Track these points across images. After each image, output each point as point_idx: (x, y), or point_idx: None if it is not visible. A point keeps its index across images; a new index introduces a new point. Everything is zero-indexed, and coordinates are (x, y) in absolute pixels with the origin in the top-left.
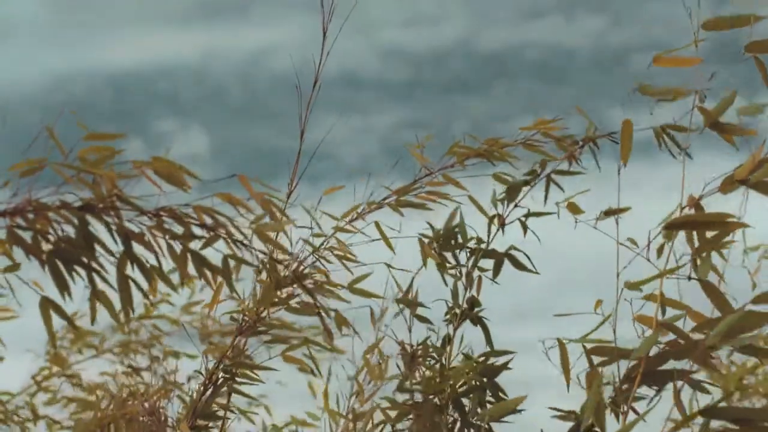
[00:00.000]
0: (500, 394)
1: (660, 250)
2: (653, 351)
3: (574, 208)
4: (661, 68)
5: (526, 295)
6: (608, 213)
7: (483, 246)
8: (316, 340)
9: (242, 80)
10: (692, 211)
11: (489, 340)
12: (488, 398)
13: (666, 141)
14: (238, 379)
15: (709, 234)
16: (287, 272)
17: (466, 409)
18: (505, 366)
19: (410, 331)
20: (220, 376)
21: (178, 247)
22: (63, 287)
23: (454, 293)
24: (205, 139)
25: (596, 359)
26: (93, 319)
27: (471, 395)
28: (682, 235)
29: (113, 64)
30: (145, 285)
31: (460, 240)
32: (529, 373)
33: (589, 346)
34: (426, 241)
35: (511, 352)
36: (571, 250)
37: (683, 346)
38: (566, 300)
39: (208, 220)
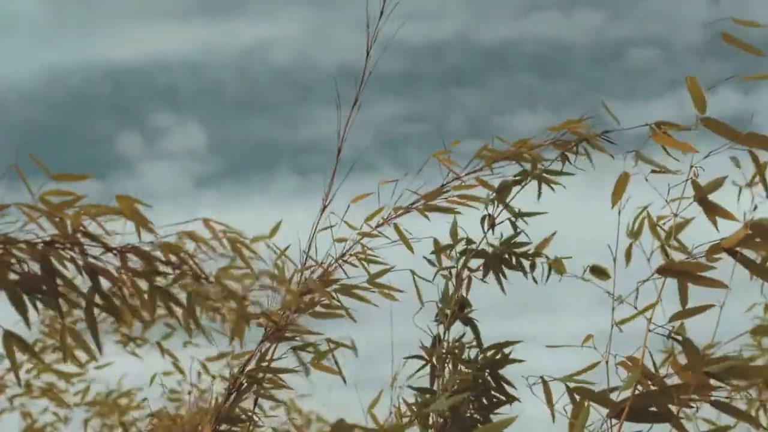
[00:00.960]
0: (504, 386)
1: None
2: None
3: (559, 266)
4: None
5: (528, 289)
6: (594, 271)
7: (473, 247)
8: (344, 342)
9: (240, 74)
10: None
11: (479, 340)
12: (493, 393)
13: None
14: (265, 384)
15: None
16: (313, 278)
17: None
18: (506, 358)
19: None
20: (244, 381)
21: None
22: (24, 316)
23: (445, 294)
24: (203, 134)
25: None
26: (66, 358)
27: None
28: None
29: (111, 58)
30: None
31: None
32: (530, 366)
33: (572, 385)
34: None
35: (513, 343)
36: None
37: (656, 392)
38: (567, 294)
39: (173, 258)
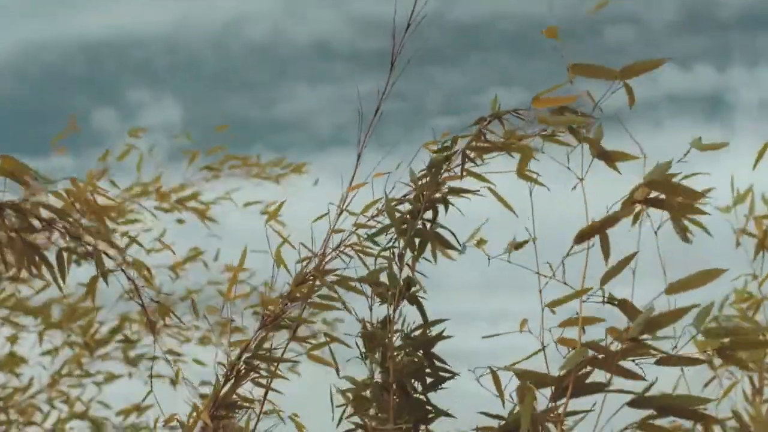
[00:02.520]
0: (438, 364)
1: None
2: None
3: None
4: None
5: (494, 266)
6: (515, 246)
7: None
8: (339, 337)
9: (215, 50)
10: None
11: (424, 317)
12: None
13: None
14: (262, 373)
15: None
16: (310, 268)
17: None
18: (440, 336)
19: (371, 309)
20: (242, 367)
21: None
22: None
23: (390, 275)
24: (178, 109)
25: None
26: None
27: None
28: None
29: (87, 32)
30: None
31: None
32: (497, 342)
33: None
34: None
35: (444, 320)
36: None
37: (601, 358)
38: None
39: (45, 214)
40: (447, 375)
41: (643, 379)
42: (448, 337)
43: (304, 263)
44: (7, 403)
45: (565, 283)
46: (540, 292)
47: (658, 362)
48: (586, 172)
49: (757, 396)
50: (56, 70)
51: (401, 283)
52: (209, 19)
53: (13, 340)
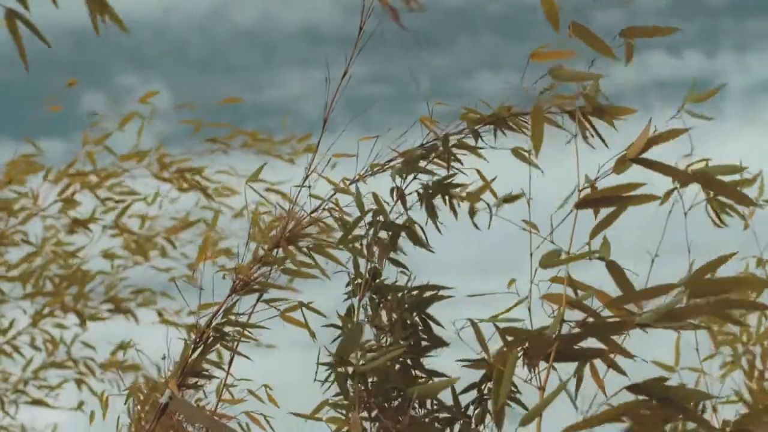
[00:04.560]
0: (432, 326)
1: None
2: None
3: (475, 200)
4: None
5: (486, 248)
6: (507, 200)
7: (381, 218)
8: (312, 306)
9: (203, 34)
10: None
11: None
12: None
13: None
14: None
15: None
16: (284, 231)
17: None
18: (436, 297)
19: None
20: (210, 334)
21: None
22: None
23: (356, 264)
24: (167, 93)
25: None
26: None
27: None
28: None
29: (74, 17)
30: None
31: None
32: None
33: (502, 325)
34: None
35: (444, 287)
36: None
37: (595, 324)
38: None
39: None
40: (434, 342)
41: (632, 356)
42: (448, 296)
43: (279, 226)
44: None
45: (552, 242)
46: (531, 255)
47: (651, 324)
48: (576, 136)
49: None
50: (44, 55)
51: (367, 274)
52: (197, 3)
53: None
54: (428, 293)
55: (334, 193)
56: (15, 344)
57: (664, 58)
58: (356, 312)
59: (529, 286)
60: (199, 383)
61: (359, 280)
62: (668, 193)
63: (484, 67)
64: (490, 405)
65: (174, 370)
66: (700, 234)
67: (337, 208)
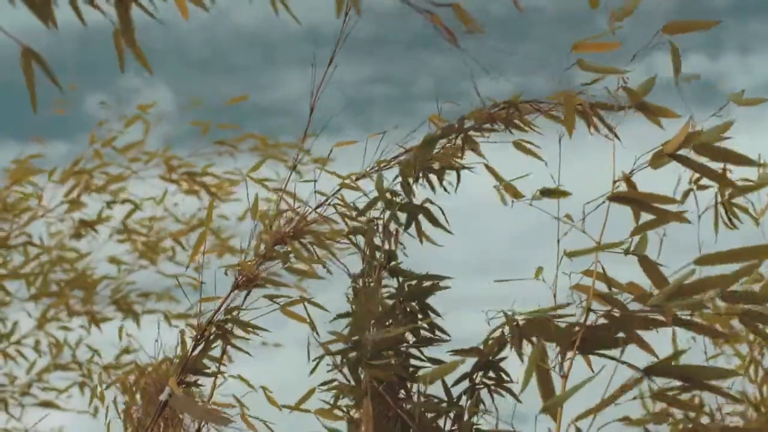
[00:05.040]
0: (430, 313)
1: None
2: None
3: (513, 192)
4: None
5: (490, 249)
6: (544, 193)
7: (399, 200)
8: (314, 301)
9: (204, 34)
10: (624, 187)
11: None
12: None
13: (594, 120)
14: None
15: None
16: (288, 228)
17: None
18: (436, 286)
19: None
20: (212, 331)
21: None
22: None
23: (371, 245)
24: (170, 94)
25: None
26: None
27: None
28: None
29: (76, 19)
30: None
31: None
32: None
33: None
34: None
35: (444, 277)
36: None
37: (620, 316)
38: (532, 253)
39: None
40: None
41: (654, 354)
42: (446, 287)
43: (282, 221)
44: None
45: (584, 231)
46: (558, 242)
47: (674, 323)
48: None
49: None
50: (47, 55)
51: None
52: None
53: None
54: (427, 283)
55: (339, 189)
56: (19, 348)
57: (668, 61)
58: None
59: (555, 273)
60: (198, 381)
61: (375, 262)
62: (686, 194)
63: (486, 68)
64: (483, 395)
65: (175, 367)
66: (706, 236)
67: (342, 204)
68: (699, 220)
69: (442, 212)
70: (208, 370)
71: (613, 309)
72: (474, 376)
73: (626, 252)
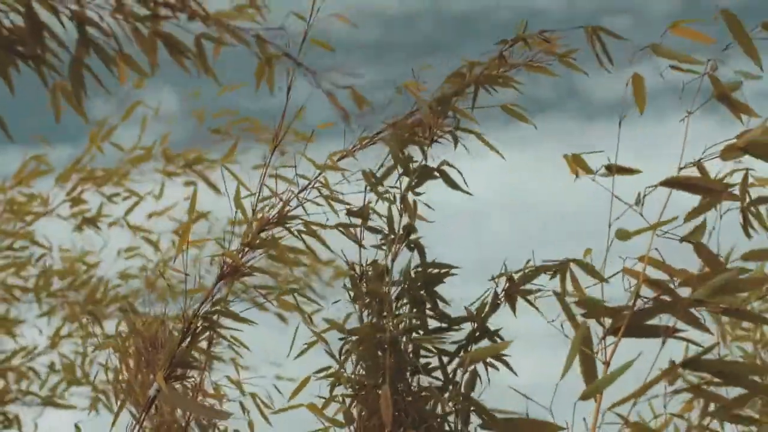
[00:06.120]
0: (439, 303)
1: None
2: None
3: (582, 165)
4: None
5: (499, 248)
6: (611, 169)
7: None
8: (303, 292)
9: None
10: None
11: (424, 262)
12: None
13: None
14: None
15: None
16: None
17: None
18: (446, 274)
19: (361, 247)
20: (199, 323)
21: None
22: (6, 79)
23: (389, 219)
24: (176, 97)
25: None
26: (57, 116)
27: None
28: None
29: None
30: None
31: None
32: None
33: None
34: None
35: (454, 267)
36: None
37: (667, 301)
38: (550, 252)
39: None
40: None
41: (709, 332)
42: (453, 274)
43: (266, 207)
44: (5, 367)
45: (641, 214)
46: (609, 226)
47: (723, 312)
48: (696, 108)
49: None
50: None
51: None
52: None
53: (10, 301)
54: (436, 271)
55: (322, 172)
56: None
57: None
58: (390, 272)
59: (605, 255)
60: (187, 374)
61: (392, 236)
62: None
63: None
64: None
65: (161, 362)
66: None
67: (326, 188)
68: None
69: (461, 174)
70: (196, 363)
71: (662, 294)
72: (469, 348)
73: (681, 239)
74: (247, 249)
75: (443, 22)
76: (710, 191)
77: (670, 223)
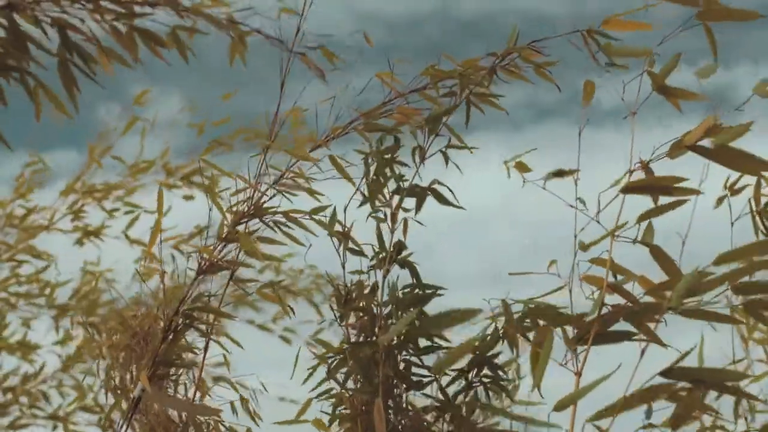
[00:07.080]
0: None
1: None
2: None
3: (521, 167)
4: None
5: (494, 260)
6: (557, 174)
7: (405, 184)
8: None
9: (218, 43)
10: (642, 175)
11: (418, 280)
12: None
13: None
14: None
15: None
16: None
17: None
18: (434, 294)
19: (344, 267)
20: (180, 321)
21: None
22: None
23: (380, 236)
24: (183, 104)
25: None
26: (38, 116)
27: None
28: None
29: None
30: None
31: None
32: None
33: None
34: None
35: (442, 288)
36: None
37: (634, 308)
38: (534, 264)
39: None
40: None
41: (664, 345)
42: (441, 294)
43: (240, 200)
44: (19, 390)
45: (598, 222)
46: (575, 236)
47: (682, 313)
48: (638, 106)
49: None
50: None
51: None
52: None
53: (26, 324)
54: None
55: (296, 162)
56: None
57: (680, 68)
58: (381, 288)
59: (572, 268)
60: (170, 373)
61: (383, 254)
62: (720, 200)
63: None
64: (479, 392)
65: (144, 362)
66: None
67: (301, 176)
68: (732, 227)
69: (451, 192)
70: (179, 362)
71: (627, 302)
72: (470, 375)
73: (634, 241)
74: (223, 243)
75: (449, 26)
76: (666, 191)
77: (622, 228)
